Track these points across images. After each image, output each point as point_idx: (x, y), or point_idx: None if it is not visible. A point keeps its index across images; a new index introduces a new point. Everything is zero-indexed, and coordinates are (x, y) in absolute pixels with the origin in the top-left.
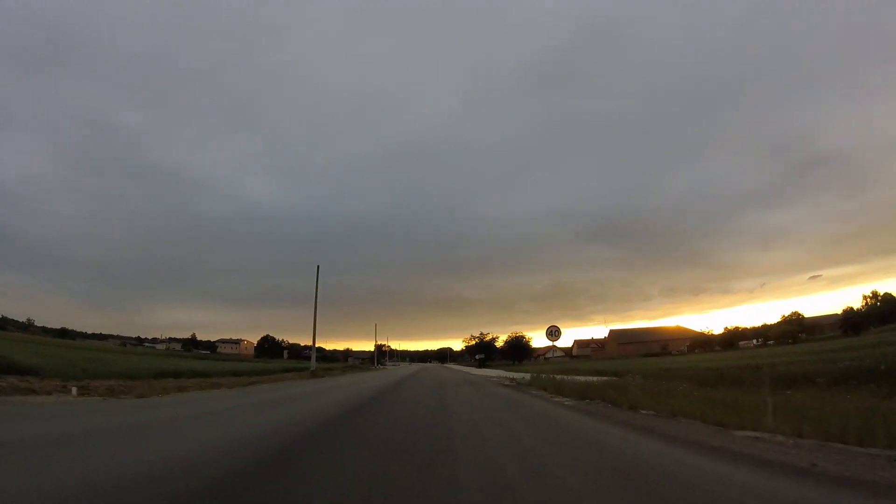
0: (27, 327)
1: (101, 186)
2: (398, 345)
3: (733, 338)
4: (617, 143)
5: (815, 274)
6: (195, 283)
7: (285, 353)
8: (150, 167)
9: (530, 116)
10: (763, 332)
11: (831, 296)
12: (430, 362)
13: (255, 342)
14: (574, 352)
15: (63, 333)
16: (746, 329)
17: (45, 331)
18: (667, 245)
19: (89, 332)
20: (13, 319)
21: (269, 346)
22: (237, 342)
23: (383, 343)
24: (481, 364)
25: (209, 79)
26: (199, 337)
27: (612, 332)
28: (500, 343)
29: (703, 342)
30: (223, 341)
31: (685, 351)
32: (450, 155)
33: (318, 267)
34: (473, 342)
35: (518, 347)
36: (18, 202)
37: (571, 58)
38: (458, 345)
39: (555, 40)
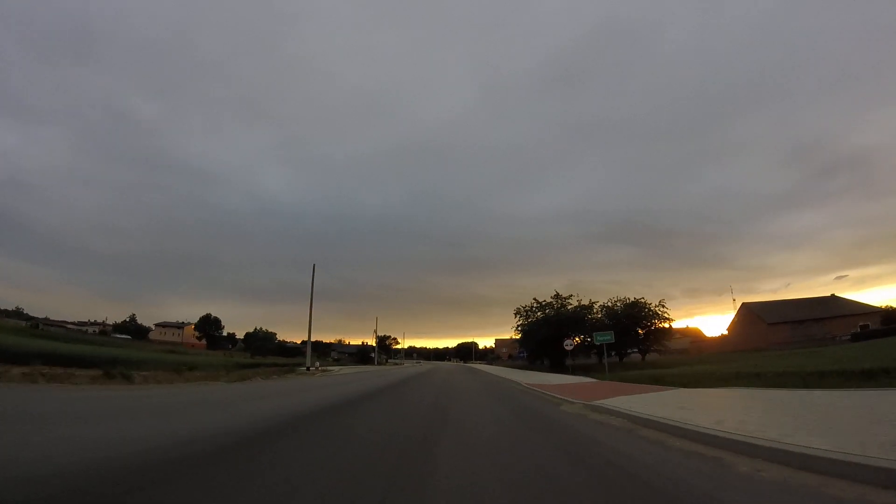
0: None
1: (116, 176)
2: (403, 340)
3: None
4: (638, 143)
5: (842, 274)
6: (209, 275)
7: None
8: (164, 157)
9: (548, 114)
10: None
11: (856, 296)
12: (450, 360)
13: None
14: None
15: None
16: None
17: None
18: (689, 246)
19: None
20: None
21: (209, 335)
22: (180, 326)
23: (387, 335)
24: (562, 362)
25: (225, 70)
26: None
27: (745, 306)
28: (594, 316)
29: None
30: (164, 325)
31: None
32: (465, 151)
33: None
34: (538, 316)
35: (628, 327)
36: (35, 191)
37: (591, 56)
38: (483, 342)
39: (574, 38)
